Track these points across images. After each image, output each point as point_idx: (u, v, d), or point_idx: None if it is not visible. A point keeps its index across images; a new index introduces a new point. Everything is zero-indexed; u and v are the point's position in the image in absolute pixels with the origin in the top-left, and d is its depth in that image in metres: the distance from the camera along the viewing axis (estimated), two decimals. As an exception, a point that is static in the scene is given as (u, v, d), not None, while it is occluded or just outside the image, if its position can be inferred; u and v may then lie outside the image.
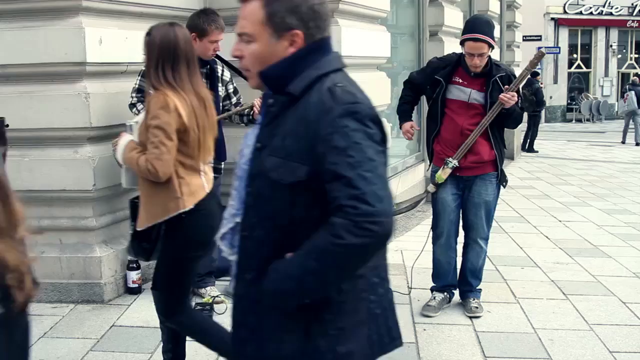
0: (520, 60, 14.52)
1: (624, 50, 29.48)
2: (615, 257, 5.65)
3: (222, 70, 4.32)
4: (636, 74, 22.55)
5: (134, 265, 4.46)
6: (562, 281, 4.95)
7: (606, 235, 6.50)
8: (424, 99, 4.44)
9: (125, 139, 2.96)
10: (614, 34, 28.73)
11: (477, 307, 4.26)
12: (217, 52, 4.16)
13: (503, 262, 5.42)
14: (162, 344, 3.25)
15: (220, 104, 4.28)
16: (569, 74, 28.58)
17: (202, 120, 2.88)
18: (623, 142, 17.70)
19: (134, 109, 4.09)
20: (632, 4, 28.22)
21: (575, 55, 28.83)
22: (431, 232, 4.36)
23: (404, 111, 4.40)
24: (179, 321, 3.04)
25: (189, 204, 2.83)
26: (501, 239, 6.13)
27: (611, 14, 28.07)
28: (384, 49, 6.01)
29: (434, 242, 4.35)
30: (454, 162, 4.07)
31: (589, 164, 12.88)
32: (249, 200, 1.70)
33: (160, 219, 2.84)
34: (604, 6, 27.88)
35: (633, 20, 28.46)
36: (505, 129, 4.24)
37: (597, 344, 3.80)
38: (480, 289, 4.40)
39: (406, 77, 4.56)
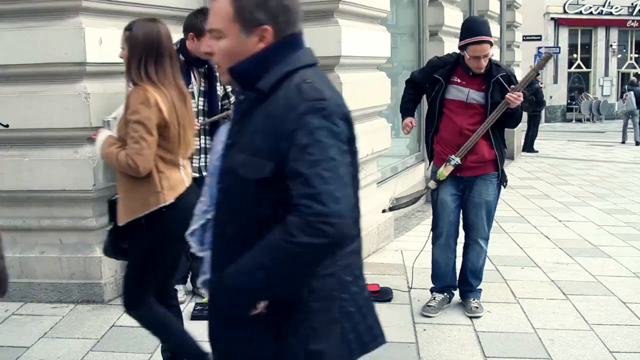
0: (520, 60, 14.52)
1: (624, 50, 29.50)
2: (616, 257, 5.64)
3: None
4: (636, 74, 22.58)
5: (134, 265, 4.46)
6: (562, 281, 4.95)
7: (606, 235, 6.50)
8: (424, 99, 4.44)
9: (103, 134, 2.97)
10: (614, 33, 28.74)
11: (477, 307, 4.26)
12: None
13: (503, 262, 5.42)
14: (161, 344, 3.26)
15: (219, 103, 4.28)
16: (569, 74, 28.60)
17: (183, 115, 2.90)
18: (623, 142, 17.71)
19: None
20: (632, 4, 28.23)
21: (575, 55, 28.84)
22: (431, 233, 4.36)
23: (406, 109, 4.40)
24: (140, 314, 3.03)
25: (169, 198, 2.84)
26: (501, 239, 6.13)
27: (611, 13, 28.08)
28: (384, 49, 6.01)
29: (433, 243, 4.35)
30: (456, 160, 4.06)
31: (589, 164, 12.88)
32: (220, 197, 1.70)
33: (141, 214, 2.84)
34: (604, 6, 27.90)
35: (633, 20, 28.48)
36: (506, 128, 4.23)
37: (597, 344, 3.80)
38: (481, 289, 4.40)
39: (406, 77, 4.56)
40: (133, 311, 3.03)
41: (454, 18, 8.62)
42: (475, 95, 4.06)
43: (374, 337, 1.78)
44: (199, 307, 4.16)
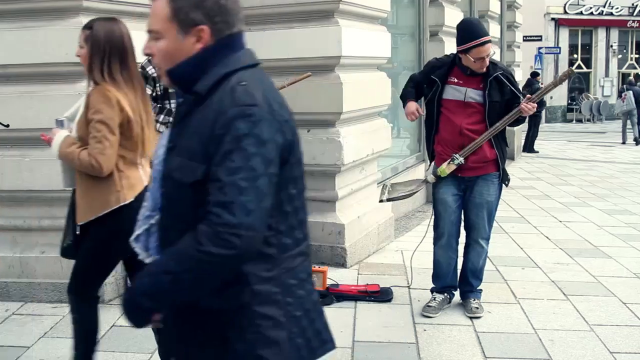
0: (520, 60, 14.52)
1: (625, 51, 29.49)
2: (616, 257, 5.64)
3: None
4: (636, 75, 22.58)
5: (134, 265, 4.46)
6: (563, 282, 4.95)
7: (607, 235, 6.50)
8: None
9: (61, 134, 2.96)
10: (615, 34, 28.74)
11: (477, 308, 4.25)
12: None
13: (503, 262, 5.42)
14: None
15: None
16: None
17: (143, 114, 2.92)
18: (623, 143, 17.72)
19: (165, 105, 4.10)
20: (633, 4, 28.23)
21: (575, 56, 28.84)
22: (429, 230, 4.36)
23: (409, 92, 4.31)
24: (77, 303, 3.03)
25: (128, 197, 2.86)
26: (502, 239, 6.13)
27: (611, 14, 28.08)
28: (384, 49, 6.01)
29: (434, 243, 4.35)
30: (460, 160, 4.06)
31: (589, 164, 12.88)
32: (163, 202, 1.69)
33: (101, 213, 2.86)
34: (604, 6, 27.90)
35: (633, 21, 28.47)
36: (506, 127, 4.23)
37: (597, 345, 3.80)
38: (481, 290, 4.39)
39: (407, 78, 4.56)
40: (72, 295, 3.03)
41: (454, 18, 8.61)
42: (473, 94, 4.06)
43: (323, 342, 1.75)
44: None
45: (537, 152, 14.85)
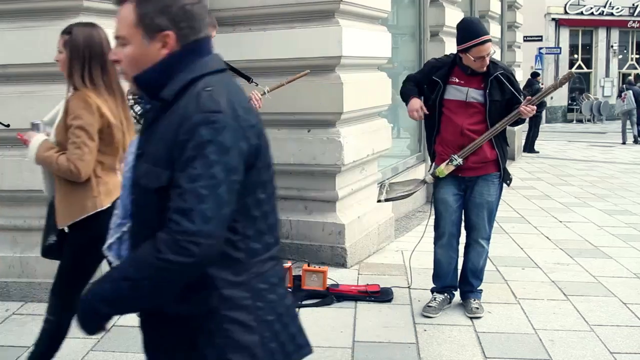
0: (521, 60, 14.51)
1: (625, 51, 29.49)
2: (616, 257, 5.64)
3: None
4: (637, 75, 22.58)
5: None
6: (563, 282, 4.95)
7: (607, 235, 6.50)
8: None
9: (38, 138, 2.96)
10: (615, 34, 28.73)
11: (477, 308, 4.25)
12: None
13: (504, 262, 5.42)
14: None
15: None
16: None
17: (124, 120, 2.95)
18: (624, 143, 17.72)
19: (130, 111, 4.08)
20: (633, 5, 28.23)
21: (576, 56, 28.84)
22: (428, 230, 4.36)
23: (411, 89, 4.24)
24: (57, 307, 3.02)
25: (105, 203, 2.87)
26: (502, 239, 6.13)
27: (612, 14, 28.07)
28: (384, 49, 6.01)
29: (435, 243, 4.34)
30: (459, 161, 4.06)
31: (589, 164, 12.88)
32: (133, 209, 1.69)
33: (78, 218, 2.87)
34: (604, 6, 27.89)
35: (634, 21, 28.46)
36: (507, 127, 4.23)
37: (597, 345, 3.80)
38: (481, 290, 4.39)
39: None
40: (56, 298, 3.04)
41: (454, 18, 8.59)
42: (474, 94, 4.06)
43: (298, 346, 1.74)
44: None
45: (538, 152, 14.85)
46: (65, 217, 2.90)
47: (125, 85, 2.89)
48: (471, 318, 4.20)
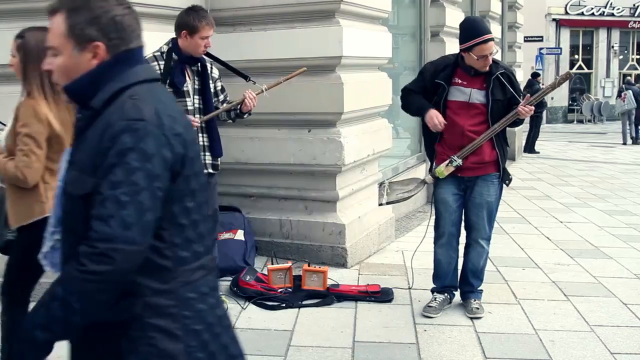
0: (521, 61, 14.51)
1: (626, 51, 29.49)
2: (616, 258, 5.64)
3: (211, 68, 4.32)
4: (638, 75, 22.59)
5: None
6: (563, 282, 4.95)
7: (607, 236, 6.49)
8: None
9: None
10: (616, 34, 28.74)
11: (478, 308, 4.25)
12: (207, 49, 4.17)
13: (504, 263, 5.41)
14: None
15: (213, 101, 4.29)
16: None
17: (71, 127, 2.96)
18: (624, 143, 17.72)
19: None
20: (634, 5, 28.23)
21: (576, 56, 28.84)
22: (429, 231, 4.36)
23: (419, 99, 4.15)
24: (11, 313, 3.03)
25: None
26: (502, 239, 6.13)
27: (613, 14, 28.07)
28: (385, 50, 6.00)
29: (435, 243, 4.34)
30: (458, 162, 4.06)
31: (590, 165, 12.87)
32: (62, 216, 1.70)
33: (25, 222, 2.92)
34: (605, 7, 27.89)
35: (635, 21, 28.46)
36: (507, 128, 4.23)
37: (598, 345, 3.80)
38: (482, 290, 4.39)
39: (407, 78, 4.54)
40: (4, 297, 3.05)
41: (455, 18, 8.61)
42: (477, 95, 4.06)
43: (231, 357, 1.74)
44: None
45: (538, 152, 14.85)
46: (15, 220, 2.96)
47: None
48: (471, 318, 4.20)
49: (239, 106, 4.27)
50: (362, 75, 5.56)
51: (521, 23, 14.15)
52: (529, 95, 4.09)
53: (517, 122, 4.17)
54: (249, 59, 5.17)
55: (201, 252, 1.69)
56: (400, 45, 8.38)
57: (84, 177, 1.57)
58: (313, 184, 5.29)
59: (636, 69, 29.27)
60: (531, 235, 6.46)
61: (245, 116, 4.37)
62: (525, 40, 17.28)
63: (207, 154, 4.25)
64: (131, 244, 1.50)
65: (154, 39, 4.32)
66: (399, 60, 8.34)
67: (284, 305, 4.33)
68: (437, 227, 4.31)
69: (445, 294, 4.36)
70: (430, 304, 4.29)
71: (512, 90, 4.06)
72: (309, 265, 4.66)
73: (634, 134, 17.91)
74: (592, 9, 27.78)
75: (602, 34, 28.48)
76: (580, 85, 28.75)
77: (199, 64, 4.18)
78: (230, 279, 4.68)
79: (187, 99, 4.14)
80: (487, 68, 4.01)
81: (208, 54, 4.26)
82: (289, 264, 4.72)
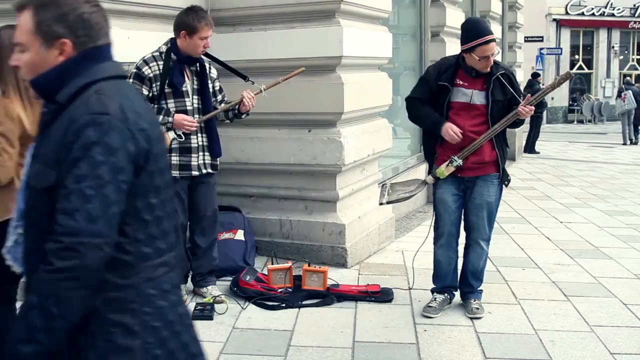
0: (522, 61, 14.51)
1: (626, 52, 29.49)
2: (617, 258, 5.64)
3: (210, 68, 4.32)
4: (638, 75, 22.59)
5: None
6: (563, 282, 4.95)
7: (607, 236, 6.49)
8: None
9: None
10: (616, 35, 28.74)
11: (478, 308, 4.25)
12: (206, 49, 4.17)
13: (504, 263, 5.41)
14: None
15: (212, 101, 4.29)
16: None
17: None
18: (624, 144, 17.71)
19: None
20: (634, 5, 28.23)
21: (577, 57, 28.83)
22: (431, 232, 4.36)
23: (429, 110, 4.11)
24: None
25: None
26: (502, 240, 6.13)
27: (613, 15, 28.07)
28: (385, 50, 6.01)
29: (434, 243, 4.35)
30: (458, 162, 4.06)
31: (590, 165, 12.87)
32: (25, 210, 1.70)
33: (1, 219, 2.88)
34: (605, 7, 27.90)
35: (635, 22, 28.46)
36: (507, 129, 4.23)
37: (598, 346, 3.80)
38: (482, 290, 4.39)
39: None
40: None
41: (455, 19, 8.62)
42: (478, 96, 4.06)
43: (192, 355, 1.74)
44: (199, 307, 4.16)
45: (538, 152, 14.85)
46: None
47: None
48: (471, 318, 4.20)
49: (237, 106, 4.27)
50: (363, 75, 5.56)
51: (521, 23, 14.15)
52: (529, 95, 4.10)
53: (518, 123, 4.16)
54: (249, 58, 5.18)
55: (164, 249, 1.69)
56: (400, 45, 8.38)
57: (48, 170, 1.57)
58: (313, 184, 5.29)
59: (636, 69, 29.27)
60: (531, 236, 6.46)
61: (243, 116, 4.38)
62: (525, 41, 17.29)
63: (206, 154, 4.25)
64: (97, 237, 1.50)
65: (155, 38, 4.33)
66: (399, 60, 8.34)
67: (284, 305, 4.33)
68: (436, 227, 4.31)
69: (445, 294, 4.36)
70: (430, 304, 4.29)
71: (512, 90, 4.07)
72: (309, 265, 4.67)
73: (632, 136, 17.89)
74: (592, 9, 27.78)
75: (603, 34, 28.47)
76: (581, 86, 28.75)
77: (198, 63, 4.18)
78: (230, 279, 4.68)
79: (186, 99, 4.14)
80: (488, 69, 4.01)
81: (206, 54, 4.26)
82: (289, 264, 4.72)
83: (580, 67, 28.78)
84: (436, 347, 3.77)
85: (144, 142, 1.61)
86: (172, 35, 4.15)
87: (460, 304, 4.39)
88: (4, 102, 2.86)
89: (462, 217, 4.30)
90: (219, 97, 4.40)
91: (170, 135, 4.10)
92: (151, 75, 4.06)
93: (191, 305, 4.25)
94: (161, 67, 4.06)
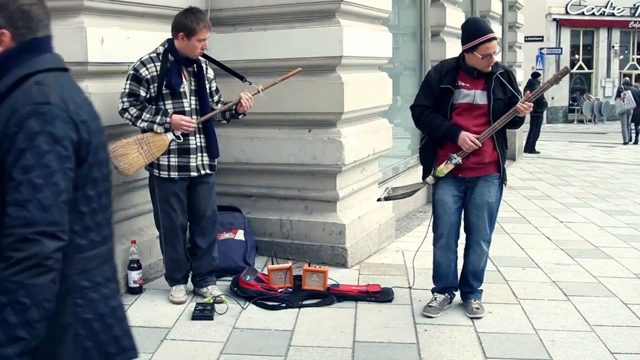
0: (522, 61, 14.51)
1: (626, 51, 29.49)
2: (617, 258, 5.64)
3: (207, 68, 4.32)
4: (638, 75, 22.59)
5: (135, 265, 4.46)
6: (564, 282, 4.95)
7: (607, 236, 6.49)
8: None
9: None
10: (616, 34, 28.74)
11: (478, 308, 4.25)
12: (204, 51, 4.17)
13: (504, 262, 5.41)
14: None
15: (209, 102, 4.29)
16: (571, 75, 28.59)
17: None
18: (625, 143, 17.72)
19: (126, 114, 4.09)
20: (634, 5, 28.24)
21: (577, 56, 28.84)
22: (430, 232, 4.36)
23: (441, 119, 4.07)
24: None
25: None
26: (502, 239, 6.13)
27: (613, 14, 28.08)
28: (385, 50, 6.00)
29: (434, 244, 4.34)
30: (457, 159, 4.06)
31: (590, 165, 12.87)
32: None
33: None
34: (606, 7, 27.90)
35: (635, 21, 28.46)
36: (507, 129, 4.23)
37: (598, 345, 3.80)
38: (482, 290, 4.39)
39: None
40: None
41: (455, 18, 8.62)
42: (481, 96, 4.06)
43: (122, 349, 1.75)
44: (199, 307, 4.16)
45: (539, 152, 14.85)
46: None
47: None
48: (472, 318, 4.20)
49: (235, 107, 4.27)
50: (363, 75, 5.56)
51: (522, 23, 14.15)
52: (528, 92, 4.10)
53: (518, 122, 4.16)
54: (249, 58, 5.18)
55: (98, 241, 1.70)
56: (400, 45, 8.38)
57: None
58: (313, 183, 5.29)
59: (636, 69, 29.27)
60: (531, 235, 6.46)
61: (240, 117, 4.38)
62: (525, 40, 17.28)
63: (205, 154, 4.25)
64: (52, 225, 1.51)
65: (154, 39, 4.34)
66: (399, 60, 8.34)
67: (284, 305, 4.33)
68: (435, 228, 4.31)
69: (446, 294, 4.36)
70: (430, 304, 4.29)
71: (511, 89, 4.07)
72: (309, 265, 4.67)
73: (632, 136, 17.89)
74: (592, 8, 27.78)
75: (603, 34, 28.47)
76: (581, 85, 28.75)
77: (195, 64, 4.18)
78: (231, 279, 4.68)
79: (184, 100, 4.14)
80: (490, 68, 4.01)
81: (203, 54, 4.26)
82: (289, 264, 4.72)
83: (581, 67, 28.79)
84: (436, 347, 3.77)
85: (85, 134, 1.62)
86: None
87: (460, 304, 4.39)
88: None
89: (462, 218, 4.30)
90: (215, 98, 4.40)
91: (169, 136, 4.11)
92: (149, 76, 4.06)
93: (191, 306, 4.25)
94: (159, 68, 4.06)
